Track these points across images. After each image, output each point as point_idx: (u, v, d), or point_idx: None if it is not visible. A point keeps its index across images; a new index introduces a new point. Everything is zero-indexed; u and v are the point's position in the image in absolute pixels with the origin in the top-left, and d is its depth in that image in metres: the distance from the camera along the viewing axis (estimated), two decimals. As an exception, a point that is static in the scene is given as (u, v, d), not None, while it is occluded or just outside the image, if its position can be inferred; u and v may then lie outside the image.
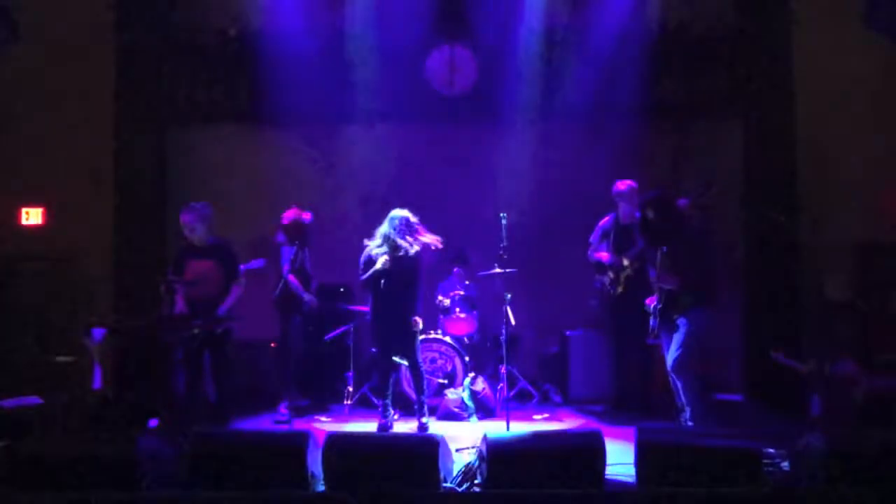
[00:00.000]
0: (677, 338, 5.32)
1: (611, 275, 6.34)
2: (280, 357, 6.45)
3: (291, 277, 6.28)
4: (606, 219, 6.47)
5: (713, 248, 5.65)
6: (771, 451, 4.43)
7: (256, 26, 7.37)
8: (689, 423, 5.24)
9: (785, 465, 4.38)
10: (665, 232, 5.37)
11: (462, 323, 6.88)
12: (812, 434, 4.19)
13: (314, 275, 6.54)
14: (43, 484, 4.04)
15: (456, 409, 6.32)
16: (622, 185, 6.34)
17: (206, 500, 4.16)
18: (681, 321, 5.31)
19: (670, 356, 5.39)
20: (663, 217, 5.36)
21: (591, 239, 6.50)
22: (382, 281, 5.88)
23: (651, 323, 5.53)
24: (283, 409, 6.21)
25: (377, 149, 7.60)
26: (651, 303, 5.54)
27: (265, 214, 6.66)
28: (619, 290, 6.28)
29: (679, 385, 5.33)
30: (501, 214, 5.78)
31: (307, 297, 6.38)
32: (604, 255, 6.37)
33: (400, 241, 5.84)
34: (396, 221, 5.89)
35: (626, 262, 6.23)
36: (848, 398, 5.85)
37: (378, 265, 5.80)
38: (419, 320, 5.95)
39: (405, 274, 5.88)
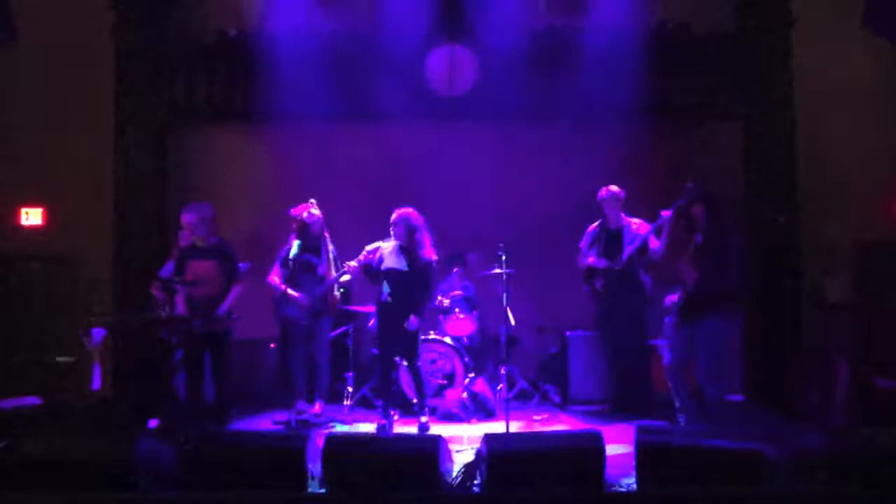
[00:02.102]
0: (694, 345, 5.32)
1: (600, 279, 6.36)
2: (279, 359, 6.41)
3: (270, 278, 6.22)
4: (594, 225, 6.50)
5: (744, 258, 5.66)
6: (770, 451, 4.42)
7: (256, 26, 7.37)
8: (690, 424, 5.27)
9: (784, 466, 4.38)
10: (707, 231, 5.37)
11: (462, 323, 6.88)
12: (812, 434, 4.19)
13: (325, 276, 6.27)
14: (42, 485, 4.03)
15: (455, 410, 6.31)
16: (604, 191, 6.39)
17: (205, 501, 4.16)
18: (700, 328, 5.30)
19: (676, 359, 5.41)
20: (710, 216, 5.39)
21: (581, 245, 6.52)
22: (387, 281, 5.89)
23: (665, 320, 5.53)
24: (299, 408, 6.16)
25: (377, 149, 7.61)
26: (670, 301, 5.54)
27: (265, 214, 6.67)
28: (607, 293, 6.30)
29: (707, 391, 5.35)
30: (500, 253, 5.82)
31: (291, 294, 6.09)
32: (592, 261, 6.40)
33: (407, 242, 5.85)
34: (403, 221, 5.87)
35: (616, 267, 6.25)
36: (841, 396, 5.86)
37: (380, 253, 5.84)
38: (416, 320, 5.86)
39: (411, 275, 5.87)
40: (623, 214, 6.38)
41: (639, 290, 6.25)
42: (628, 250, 6.19)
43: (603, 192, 6.38)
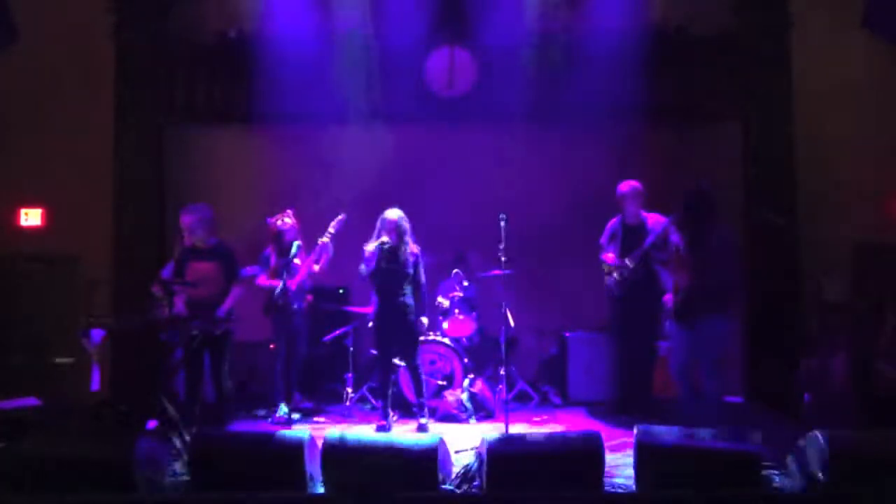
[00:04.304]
0: (698, 345, 5.30)
1: (616, 276, 6.31)
2: (274, 359, 6.43)
3: (260, 280, 6.32)
4: (614, 220, 6.43)
5: (735, 256, 5.62)
6: (770, 453, 4.42)
7: (256, 27, 7.36)
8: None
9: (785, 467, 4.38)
10: (694, 226, 5.35)
11: (461, 324, 6.87)
12: (812, 436, 4.19)
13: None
14: (41, 486, 4.03)
15: (455, 411, 6.31)
16: (624, 186, 6.32)
17: (205, 502, 4.16)
18: (699, 328, 5.29)
19: (681, 361, 5.39)
20: (695, 210, 5.35)
21: (601, 240, 6.47)
22: (383, 282, 5.90)
23: (666, 323, 5.50)
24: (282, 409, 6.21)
25: (376, 150, 7.59)
26: (667, 301, 5.50)
27: (264, 215, 6.66)
28: (623, 291, 6.27)
29: (706, 389, 5.33)
30: (501, 215, 5.78)
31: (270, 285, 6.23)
32: (609, 257, 6.35)
33: (397, 242, 5.86)
34: (391, 222, 5.90)
35: (629, 264, 6.20)
36: (839, 395, 5.86)
37: (370, 248, 5.87)
38: (424, 320, 5.97)
39: (404, 275, 5.90)
40: (643, 210, 6.31)
41: (654, 289, 6.13)
42: (642, 248, 6.13)
43: (622, 186, 6.29)
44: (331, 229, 6.16)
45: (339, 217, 6.21)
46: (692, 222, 5.37)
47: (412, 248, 5.98)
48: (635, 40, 7.15)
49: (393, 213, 5.96)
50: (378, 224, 5.96)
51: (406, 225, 5.96)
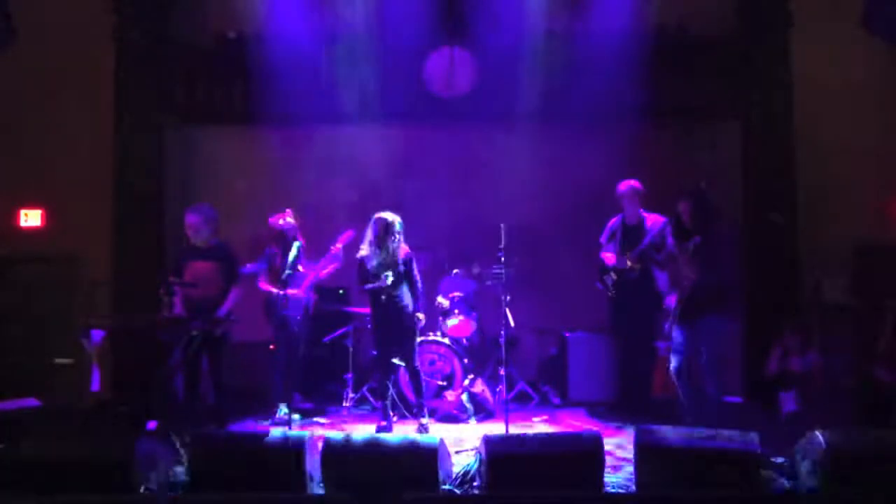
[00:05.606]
0: (696, 345, 5.29)
1: (614, 276, 6.31)
2: (274, 360, 6.42)
3: (262, 283, 6.31)
4: (614, 219, 6.43)
5: (734, 256, 5.60)
6: (769, 453, 4.42)
7: (256, 28, 7.39)
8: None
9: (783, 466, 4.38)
10: (695, 228, 5.34)
11: (461, 324, 6.86)
12: (811, 435, 4.19)
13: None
14: (41, 487, 4.03)
15: (455, 411, 6.31)
16: (623, 185, 6.33)
17: (204, 502, 4.15)
18: (699, 328, 5.28)
19: (681, 361, 5.38)
20: (695, 213, 5.34)
21: (601, 239, 6.47)
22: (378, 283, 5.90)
23: (665, 325, 5.50)
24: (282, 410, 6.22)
25: (376, 150, 7.60)
26: (671, 303, 5.50)
27: (264, 215, 6.66)
28: (619, 291, 6.26)
29: (707, 390, 5.32)
30: (501, 225, 5.77)
31: (274, 291, 6.17)
32: (609, 256, 6.35)
33: (387, 244, 5.84)
34: (382, 224, 5.87)
35: (629, 263, 6.20)
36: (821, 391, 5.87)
37: (370, 262, 5.83)
38: (422, 316, 5.96)
39: (400, 275, 5.88)
40: (642, 210, 6.30)
41: (650, 289, 6.10)
42: (638, 248, 6.12)
43: (622, 186, 6.31)
44: (339, 244, 6.15)
45: (348, 233, 6.17)
46: (692, 222, 5.36)
47: (402, 247, 5.96)
48: (636, 40, 7.15)
49: (393, 216, 5.92)
50: (379, 229, 5.85)
51: (397, 226, 5.94)
